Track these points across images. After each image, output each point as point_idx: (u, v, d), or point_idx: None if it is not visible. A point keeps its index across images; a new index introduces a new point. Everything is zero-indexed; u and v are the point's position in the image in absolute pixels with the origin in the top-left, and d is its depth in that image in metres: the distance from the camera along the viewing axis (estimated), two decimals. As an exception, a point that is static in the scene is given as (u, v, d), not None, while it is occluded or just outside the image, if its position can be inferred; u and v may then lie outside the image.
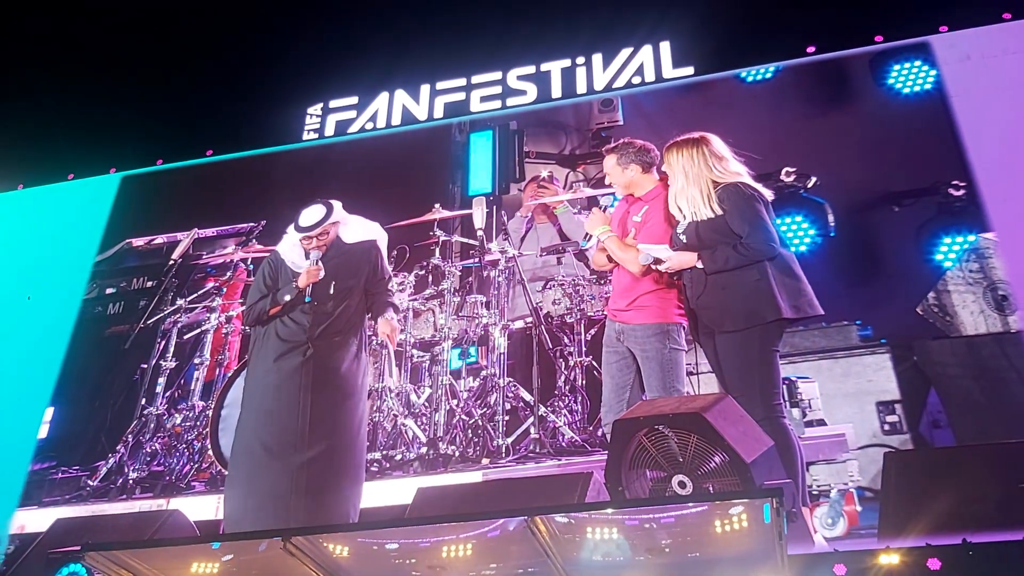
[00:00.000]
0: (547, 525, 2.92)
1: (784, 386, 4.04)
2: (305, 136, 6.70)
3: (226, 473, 4.90)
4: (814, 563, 3.26)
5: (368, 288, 4.51)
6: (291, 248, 4.48)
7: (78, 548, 2.95)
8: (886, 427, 4.52)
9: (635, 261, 3.85)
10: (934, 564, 3.22)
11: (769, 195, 3.83)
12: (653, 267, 3.81)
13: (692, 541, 3.06)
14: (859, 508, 3.81)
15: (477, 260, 5.48)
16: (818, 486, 4.01)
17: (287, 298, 4.36)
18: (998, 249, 4.85)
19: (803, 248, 5.34)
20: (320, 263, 4.38)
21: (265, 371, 4.35)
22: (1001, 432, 4.26)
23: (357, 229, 4.57)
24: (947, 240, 5.10)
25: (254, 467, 4.19)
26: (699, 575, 3.09)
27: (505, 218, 5.61)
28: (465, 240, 5.62)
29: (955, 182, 5.08)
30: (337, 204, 4.51)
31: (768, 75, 6.03)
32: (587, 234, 4.17)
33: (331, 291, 4.38)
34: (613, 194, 5.69)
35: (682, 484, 3.24)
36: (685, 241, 3.79)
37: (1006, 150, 5.01)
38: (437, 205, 5.63)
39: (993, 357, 4.53)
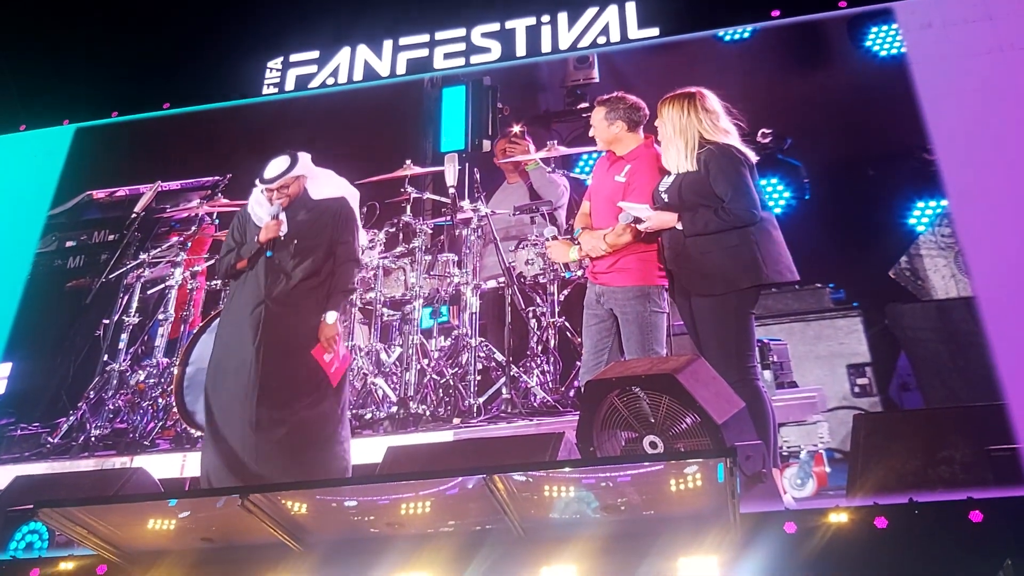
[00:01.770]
0: (505, 483, 2.94)
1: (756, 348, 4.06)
2: (265, 90, 6.53)
3: (191, 431, 4.89)
4: (765, 521, 3.27)
5: (333, 249, 4.34)
6: (258, 202, 4.37)
7: (31, 506, 2.87)
8: (856, 390, 4.55)
9: (623, 233, 3.81)
10: (881, 523, 3.28)
11: (754, 158, 3.80)
12: (634, 226, 3.77)
13: (647, 500, 3.10)
14: (828, 469, 3.84)
15: (449, 218, 5.38)
16: (788, 447, 4.04)
17: (251, 253, 4.27)
18: (953, 217, 4.86)
19: (778, 211, 5.31)
20: (282, 217, 4.25)
21: (226, 325, 4.29)
22: (969, 395, 4.31)
23: (326, 185, 4.43)
24: (920, 204, 5.10)
25: (214, 425, 4.14)
26: (653, 532, 3.13)
27: (478, 175, 5.49)
28: (437, 197, 5.51)
29: (929, 146, 5.06)
30: (305, 156, 4.37)
31: (746, 35, 5.94)
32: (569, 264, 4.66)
33: (291, 248, 4.27)
34: (583, 154, 5.67)
35: (653, 445, 3.24)
36: (667, 200, 3.76)
37: (963, 119, 5.01)
38: (408, 161, 5.51)
39: (963, 321, 4.55)
